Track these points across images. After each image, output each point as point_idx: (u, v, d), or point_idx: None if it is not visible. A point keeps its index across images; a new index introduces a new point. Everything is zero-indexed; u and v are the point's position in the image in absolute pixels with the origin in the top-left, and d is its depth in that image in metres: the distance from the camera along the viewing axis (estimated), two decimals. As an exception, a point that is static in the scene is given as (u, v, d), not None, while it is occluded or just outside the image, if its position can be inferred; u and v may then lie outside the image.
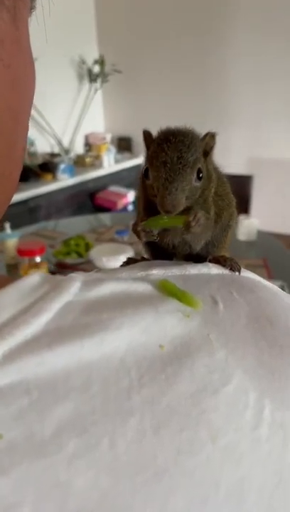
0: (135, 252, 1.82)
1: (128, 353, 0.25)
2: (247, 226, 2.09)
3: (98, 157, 3.89)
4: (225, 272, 0.35)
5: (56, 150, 3.69)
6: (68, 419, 0.21)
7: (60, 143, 3.67)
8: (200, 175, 0.35)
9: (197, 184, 0.35)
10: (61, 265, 1.87)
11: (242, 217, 2.11)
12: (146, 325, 0.26)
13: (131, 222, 0.37)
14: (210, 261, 0.37)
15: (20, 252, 1.72)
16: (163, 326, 0.27)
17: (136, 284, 0.30)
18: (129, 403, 0.22)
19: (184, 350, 0.26)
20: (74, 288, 0.28)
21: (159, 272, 0.33)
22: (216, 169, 0.40)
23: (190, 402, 0.23)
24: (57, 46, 3.46)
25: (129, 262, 0.40)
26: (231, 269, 0.36)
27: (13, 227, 2.18)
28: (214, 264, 0.36)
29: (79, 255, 1.92)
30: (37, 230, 2.38)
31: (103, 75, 3.81)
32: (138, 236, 0.36)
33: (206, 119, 3.50)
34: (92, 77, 3.82)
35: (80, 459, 0.20)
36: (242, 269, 0.36)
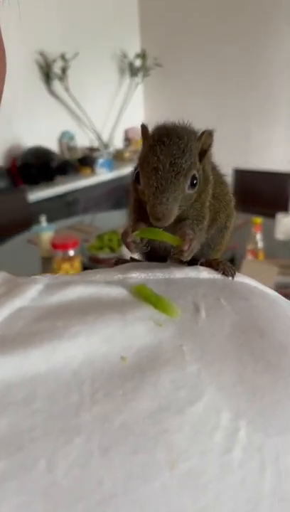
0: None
1: (83, 365, 0.22)
2: (286, 224, 2.02)
3: (137, 152, 3.87)
4: (217, 276, 0.33)
5: (95, 144, 3.71)
6: (1, 435, 0.19)
7: (99, 137, 3.69)
8: (195, 181, 0.32)
9: (191, 192, 0.32)
10: (94, 259, 1.87)
11: (280, 216, 2.05)
12: (109, 334, 0.24)
13: (121, 230, 0.34)
14: (201, 264, 0.35)
15: (55, 245, 1.73)
16: (129, 335, 0.24)
17: (109, 288, 0.28)
18: (77, 421, 0.20)
19: (150, 363, 0.23)
20: (32, 292, 0.26)
21: (140, 275, 0.30)
22: (214, 169, 0.37)
23: (149, 422, 0.21)
24: (99, 40, 3.47)
25: (118, 262, 0.38)
26: (224, 273, 0.33)
27: (51, 220, 2.20)
28: (205, 268, 0.33)
29: (112, 250, 1.92)
30: (73, 224, 2.40)
31: (144, 69, 3.79)
32: (128, 247, 0.33)
33: (248, 115, 3.42)
34: (133, 72, 3.80)
35: (10, 481, 0.18)
36: (238, 274, 0.33)
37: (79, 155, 3.52)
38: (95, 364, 0.23)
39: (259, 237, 1.81)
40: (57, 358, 0.22)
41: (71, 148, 3.51)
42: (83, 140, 3.66)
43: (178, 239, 0.32)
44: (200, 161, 0.33)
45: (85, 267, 1.79)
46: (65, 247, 1.72)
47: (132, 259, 0.39)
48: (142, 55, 3.76)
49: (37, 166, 3.07)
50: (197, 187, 0.33)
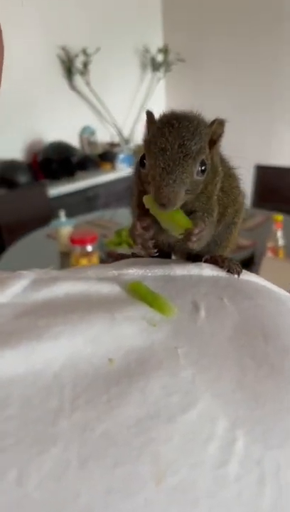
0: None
1: (65, 368, 0.21)
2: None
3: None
4: (222, 274, 0.31)
5: (116, 140, 3.70)
6: None
7: (120, 133, 3.68)
8: (204, 167, 0.30)
9: (200, 178, 0.30)
10: (112, 255, 1.87)
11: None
12: (95, 334, 0.22)
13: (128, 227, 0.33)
14: (206, 261, 0.33)
15: (73, 240, 1.74)
16: (117, 335, 0.23)
17: (100, 285, 0.26)
18: (54, 429, 0.19)
19: (139, 366, 0.22)
20: (16, 288, 0.25)
21: (137, 271, 0.29)
22: (223, 161, 0.35)
23: (135, 431, 0.19)
24: (121, 35, 3.45)
25: (118, 258, 0.36)
26: (229, 270, 0.31)
27: (71, 215, 2.21)
28: (209, 265, 0.31)
29: (130, 246, 1.91)
30: (93, 219, 2.40)
31: (166, 64, 3.76)
32: (136, 241, 0.31)
33: (271, 111, 3.36)
34: (155, 66, 3.78)
35: None
36: (244, 272, 0.31)
37: (99, 150, 3.52)
38: (79, 367, 0.21)
39: (279, 234, 1.77)
40: (37, 359, 0.21)
41: (92, 144, 3.51)
42: (104, 135, 3.65)
43: (189, 222, 0.30)
44: (210, 150, 0.32)
45: (102, 263, 1.78)
46: (83, 243, 1.71)
47: (134, 255, 0.37)
48: (164, 50, 3.73)
49: (58, 161, 3.08)
50: (205, 174, 0.31)
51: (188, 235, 0.30)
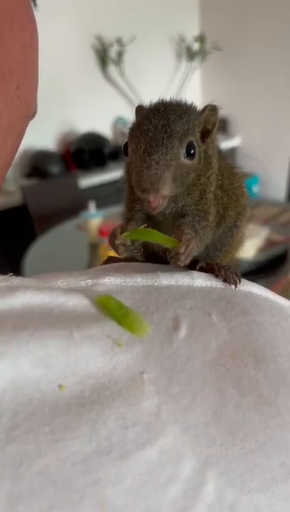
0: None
1: (6, 393, 0.18)
2: None
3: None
4: (217, 284, 0.27)
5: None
6: None
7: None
8: (192, 151, 0.27)
9: (188, 162, 0.27)
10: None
11: None
12: (45, 356, 0.19)
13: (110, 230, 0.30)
14: (201, 268, 0.29)
15: (102, 232, 1.73)
16: (73, 358, 0.20)
17: (66, 297, 0.23)
18: None
19: (94, 394, 0.19)
20: None
21: (115, 280, 0.25)
22: (223, 159, 0.32)
23: (79, 469, 0.16)
24: (156, 23, 3.40)
25: (109, 261, 0.33)
26: (225, 280, 0.28)
27: (102, 207, 2.20)
28: (202, 274, 0.28)
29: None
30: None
31: (202, 53, 3.69)
32: (116, 251, 0.29)
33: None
34: (191, 56, 3.71)
35: None
36: (244, 282, 0.28)
37: (132, 141, 3.50)
38: (23, 392, 0.18)
39: (314, 231, 1.71)
40: None
41: (125, 134, 3.49)
42: (137, 126, 3.63)
43: (174, 240, 0.27)
44: (203, 141, 0.29)
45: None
46: (111, 235, 1.71)
47: (126, 259, 0.33)
48: (200, 39, 3.65)
49: (90, 151, 3.08)
50: (195, 159, 0.28)
51: (175, 254, 0.27)
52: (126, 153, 0.29)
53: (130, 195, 0.30)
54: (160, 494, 0.17)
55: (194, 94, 3.96)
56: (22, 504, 0.15)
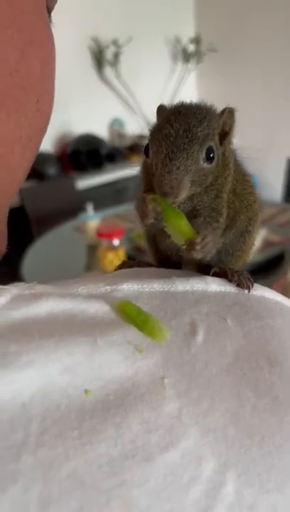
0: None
1: (35, 399, 0.18)
2: None
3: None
4: (230, 289, 0.28)
5: (145, 132, 3.68)
6: None
7: (149, 125, 3.65)
8: (211, 155, 0.28)
9: (207, 166, 0.28)
10: (138, 249, 1.85)
11: None
12: (73, 362, 0.20)
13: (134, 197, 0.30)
14: (214, 273, 0.30)
15: (99, 234, 1.73)
16: (98, 364, 0.20)
17: (88, 304, 0.23)
18: (15, 465, 0.17)
19: (118, 398, 0.19)
20: None
21: (133, 286, 0.26)
22: (239, 165, 0.33)
23: (106, 471, 0.17)
24: (152, 25, 3.41)
25: (123, 265, 0.34)
26: (238, 285, 0.28)
27: (99, 208, 2.20)
28: (216, 279, 0.28)
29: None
30: (121, 212, 2.39)
31: (198, 55, 3.69)
32: (144, 217, 0.29)
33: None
34: (186, 57, 3.71)
35: None
36: (257, 286, 0.28)
37: (129, 142, 3.50)
38: (51, 397, 0.19)
39: (312, 231, 1.72)
40: (3, 389, 0.18)
41: (121, 136, 3.50)
42: (133, 127, 3.63)
43: (193, 231, 0.28)
44: (221, 143, 0.30)
45: (129, 257, 1.77)
46: (109, 236, 1.71)
47: (139, 263, 0.34)
48: (196, 40, 3.66)
49: (86, 153, 3.08)
50: (213, 162, 0.29)
51: (190, 244, 0.27)
52: (146, 154, 0.30)
53: (146, 177, 0.31)
54: (183, 495, 0.17)
55: (190, 95, 3.97)
56: (53, 506, 0.16)
